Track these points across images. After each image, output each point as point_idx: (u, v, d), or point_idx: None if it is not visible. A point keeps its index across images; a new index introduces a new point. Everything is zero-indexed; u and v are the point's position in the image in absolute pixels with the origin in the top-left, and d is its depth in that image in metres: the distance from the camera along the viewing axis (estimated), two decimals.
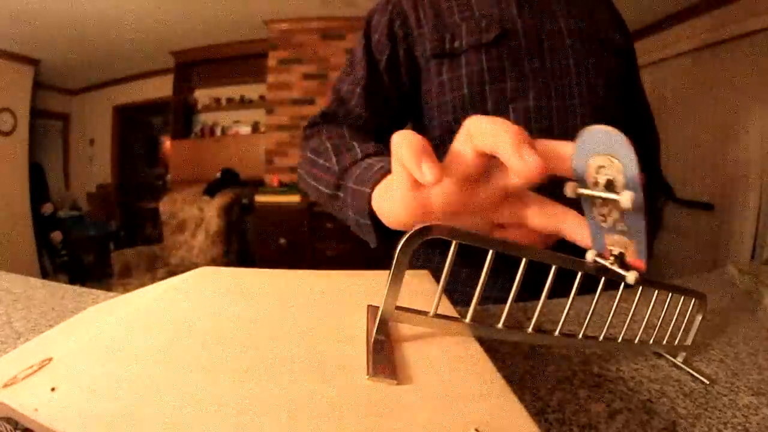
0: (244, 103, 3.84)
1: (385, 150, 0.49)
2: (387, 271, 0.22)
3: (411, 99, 0.67)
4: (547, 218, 0.29)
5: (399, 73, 0.65)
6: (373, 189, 0.40)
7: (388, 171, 0.39)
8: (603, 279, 0.27)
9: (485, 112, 0.59)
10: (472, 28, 0.60)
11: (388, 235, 0.42)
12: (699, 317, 0.36)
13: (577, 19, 0.63)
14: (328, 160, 0.53)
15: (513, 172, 0.23)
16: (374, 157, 0.47)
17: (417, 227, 0.21)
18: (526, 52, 0.59)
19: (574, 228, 0.28)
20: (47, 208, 3.65)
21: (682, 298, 0.35)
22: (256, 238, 3.05)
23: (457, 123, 0.61)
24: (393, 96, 0.66)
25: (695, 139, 2.43)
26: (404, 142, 0.26)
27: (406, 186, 0.29)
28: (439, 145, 0.62)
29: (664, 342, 0.35)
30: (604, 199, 0.23)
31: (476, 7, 0.62)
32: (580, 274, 0.27)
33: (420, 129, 0.67)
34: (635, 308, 0.31)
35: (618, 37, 0.66)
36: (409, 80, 0.65)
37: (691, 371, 0.35)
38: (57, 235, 3.67)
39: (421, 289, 0.31)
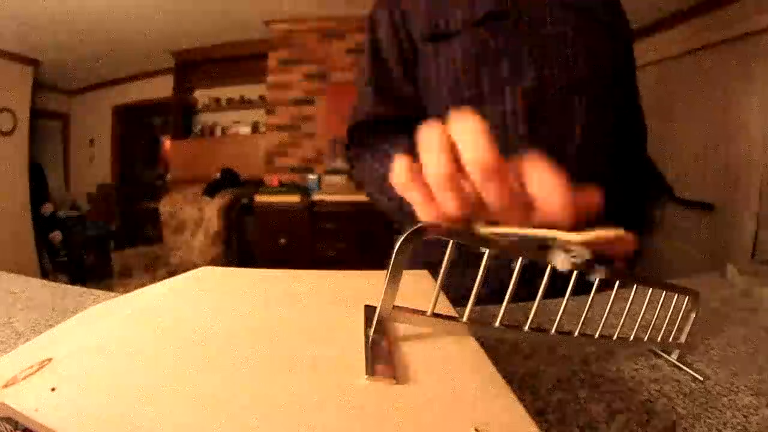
0: (244, 103, 3.84)
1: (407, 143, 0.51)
2: (386, 271, 0.22)
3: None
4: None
5: (409, 62, 0.64)
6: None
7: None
8: (597, 279, 0.27)
9: (480, 95, 0.57)
10: (464, 8, 0.59)
11: None
12: (693, 315, 0.37)
13: None
14: (379, 176, 0.57)
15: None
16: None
17: (414, 227, 0.21)
18: (522, 31, 0.57)
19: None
20: (47, 208, 3.65)
21: (676, 295, 0.35)
22: (256, 238, 3.05)
23: (448, 108, 0.59)
24: (408, 87, 0.64)
25: (695, 139, 2.43)
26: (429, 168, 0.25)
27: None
28: None
29: (659, 339, 0.35)
30: None
31: None
32: (575, 273, 0.27)
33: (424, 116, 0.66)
34: (630, 307, 0.31)
35: (611, 16, 0.64)
36: (416, 67, 0.64)
37: (684, 368, 0.35)
38: (57, 235, 3.67)
39: (420, 289, 0.31)
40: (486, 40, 0.57)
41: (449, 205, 0.25)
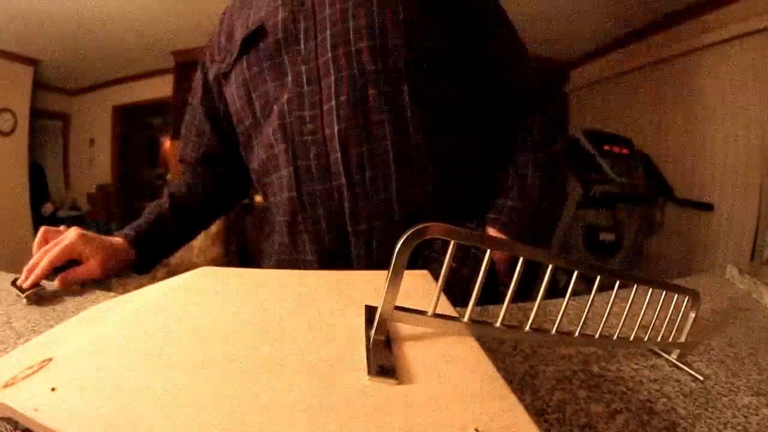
0: None
1: None
2: (386, 271, 0.22)
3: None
4: None
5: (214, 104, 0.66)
6: None
7: None
8: (598, 278, 0.28)
9: (256, 121, 0.58)
10: (237, 41, 0.58)
11: None
12: (692, 315, 0.36)
13: None
14: None
15: None
16: None
17: (415, 227, 0.21)
18: (284, 43, 0.54)
19: None
20: (47, 208, 3.65)
21: (676, 295, 0.35)
22: (256, 238, 3.04)
23: (243, 137, 0.61)
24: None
25: (696, 139, 2.43)
26: None
27: None
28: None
29: (659, 339, 0.35)
30: None
31: (252, 17, 0.57)
32: (576, 273, 0.27)
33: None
34: (630, 307, 0.31)
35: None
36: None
37: (684, 368, 0.35)
38: None
39: (422, 289, 0.31)
40: (252, 66, 0.60)
41: None
